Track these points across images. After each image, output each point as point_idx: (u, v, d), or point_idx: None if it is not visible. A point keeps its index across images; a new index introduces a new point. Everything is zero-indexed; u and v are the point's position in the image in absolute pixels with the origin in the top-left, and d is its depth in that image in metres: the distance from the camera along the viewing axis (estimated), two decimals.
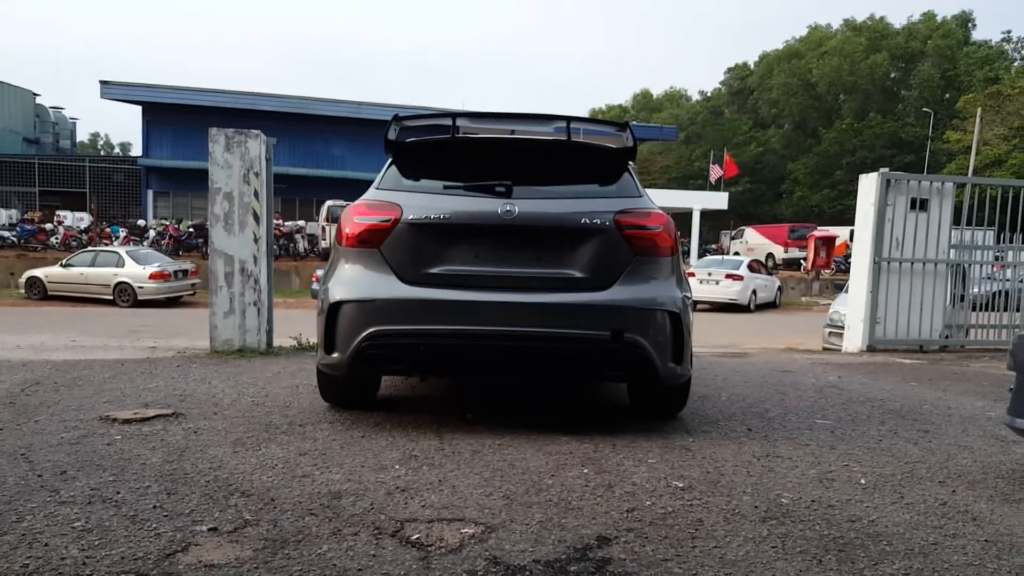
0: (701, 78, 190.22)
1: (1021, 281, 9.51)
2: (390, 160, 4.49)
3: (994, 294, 9.45)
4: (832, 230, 34.08)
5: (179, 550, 2.50)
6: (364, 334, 3.89)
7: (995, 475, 3.68)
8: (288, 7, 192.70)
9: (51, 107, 53.65)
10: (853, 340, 8.93)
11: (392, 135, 4.39)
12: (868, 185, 8.76)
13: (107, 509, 2.84)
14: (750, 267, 23.52)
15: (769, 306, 24.38)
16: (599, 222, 3.99)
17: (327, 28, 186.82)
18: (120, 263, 20.20)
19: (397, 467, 3.46)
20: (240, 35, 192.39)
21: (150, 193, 34.99)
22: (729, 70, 74.14)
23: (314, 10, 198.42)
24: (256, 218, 6.95)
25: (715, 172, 40.49)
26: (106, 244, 26.12)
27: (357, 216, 4.11)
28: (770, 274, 26.60)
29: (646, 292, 4.00)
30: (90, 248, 23.39)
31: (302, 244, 28.63)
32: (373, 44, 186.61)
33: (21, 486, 3.08)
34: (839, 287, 20.38)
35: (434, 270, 3.97)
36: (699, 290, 20.68)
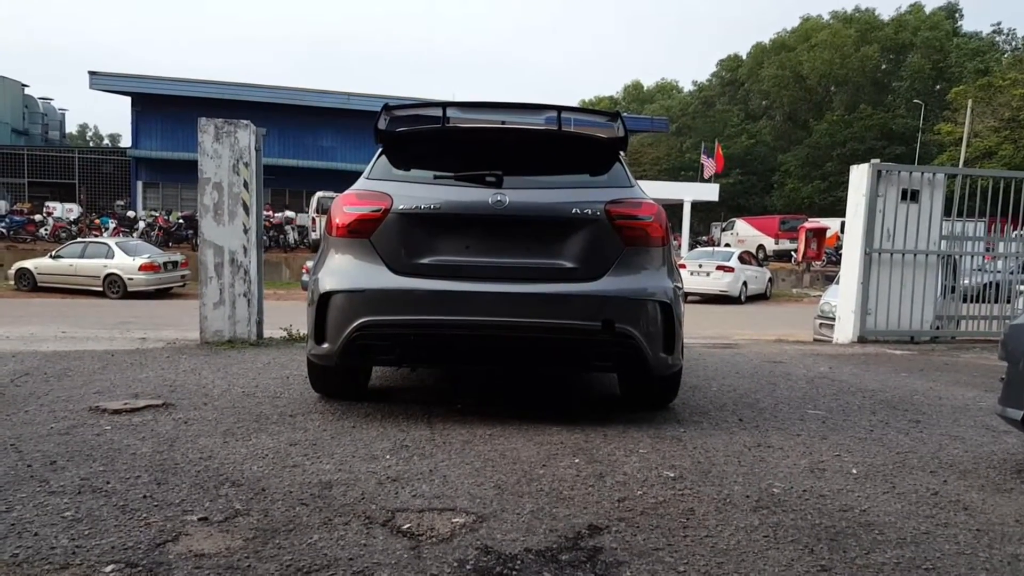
0: (693, 70, 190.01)
1: (1012, 272, 9.54)
2: (380, 150, 4.46)
3: (985, 285, 9.49)
4: (823, 221, 34.10)
5: (169, 540, 2.49)
6: (354, 324, 3.87)
7: (986, 465, 3.70)
8: (281, 4, 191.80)
9: (40, 98, 53.16)
10: (844, 331, 8.96)
11: (382, 125, 4.36)
12: (859, 176, 8.77)
13: (97, 499, 2.82)
14: (741, 259, 23.58)
15: (760, 298, 24.45)
16: (590, 212, 3.98)
17: (318, 26, 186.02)
18: (110, 254, 20.12)
19: (388, 457, 3.46)
20: (232, 29, 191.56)
21: (140, 184, 34.74)
22: (720, 62, 74.16)
23: (306, 6, 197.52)
24: (246, 208, 6.91)
25: (708, 166, 40.25)
26: (96, 235, 25.98)
27: (347, 206, 4.08)
28: (761, 266, 26.69)
29: (637, 282, 3.99)
30: (80, 239, 23.27)
31: (292, 235, 28.52)
32: (365, 39, 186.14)
33: (11, 476, 3.06)
34: (830, 279, 20.46)
35: (424, 260, 3.95)
36: (690, 282, 20.69)
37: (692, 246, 33.43)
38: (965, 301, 9.34)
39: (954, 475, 3.50)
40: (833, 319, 9.55)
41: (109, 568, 2.28)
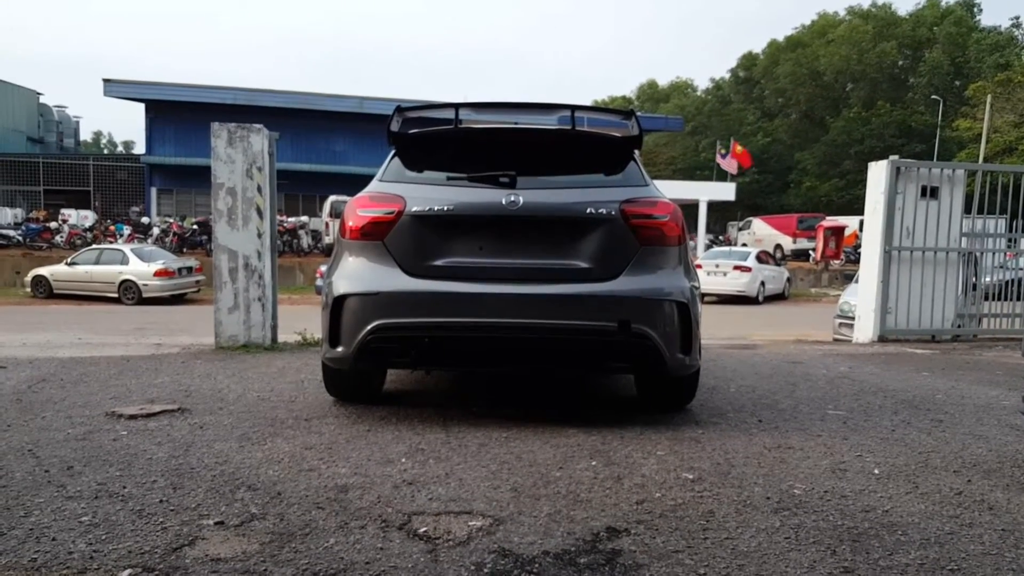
0: (709, 68, 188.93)
1: None
2: (393, 152, 4.45)
3: (1007, 283, 9.35)
4: (841, 220, 33.85)
5: (186, 544, 2.48)
6: (369, 327, 3.85)
7: (1011, 464, 3.63)
8: (293, 8, 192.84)
9: (55, 106, 53.75)
10: (864, 330, 8.86)
11: (395, 126, 4.35)
12: (878, 173, 8.67)
13: (114, 504, 2.82)
14: (758, 258, 23.39)
15: (778, 298, 24.28)
16: (605, 212, 3.94)
17: (331, 30, 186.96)
18: (125, 261, 20.30)
19: (404, 460, 3.44)
20: (245, 35, 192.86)
21: (154, 190, 35.08)
22: (738, 60, 73.77)
23: (318, 11, 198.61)
24: (259, 213, 6.92)
25: (727, 164, 39.78)
26: (110, 242, 26.21)
27: (360, 208, 4.07)
28: (778, 265, 26.49)
29: (653, 282, 3.95)
30: (95, 246, 23.47)
31: (306, 240, 28.61)
32: (377, 42, 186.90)
33: (28, 481, 3.06)
34: (849, 277, 20.28)
35: (438, 262, 3.93)
36: (707, 282, 20.55)
37: (708, 246, 33.26)
38: (987, 299, 9.21)
39: (978, 474, 3.44)
40: (853, 318, 9.45)
41: (126, 572, 2.28)
